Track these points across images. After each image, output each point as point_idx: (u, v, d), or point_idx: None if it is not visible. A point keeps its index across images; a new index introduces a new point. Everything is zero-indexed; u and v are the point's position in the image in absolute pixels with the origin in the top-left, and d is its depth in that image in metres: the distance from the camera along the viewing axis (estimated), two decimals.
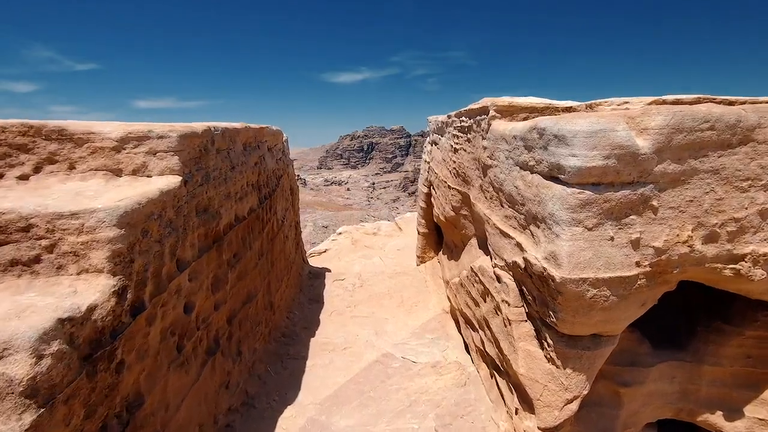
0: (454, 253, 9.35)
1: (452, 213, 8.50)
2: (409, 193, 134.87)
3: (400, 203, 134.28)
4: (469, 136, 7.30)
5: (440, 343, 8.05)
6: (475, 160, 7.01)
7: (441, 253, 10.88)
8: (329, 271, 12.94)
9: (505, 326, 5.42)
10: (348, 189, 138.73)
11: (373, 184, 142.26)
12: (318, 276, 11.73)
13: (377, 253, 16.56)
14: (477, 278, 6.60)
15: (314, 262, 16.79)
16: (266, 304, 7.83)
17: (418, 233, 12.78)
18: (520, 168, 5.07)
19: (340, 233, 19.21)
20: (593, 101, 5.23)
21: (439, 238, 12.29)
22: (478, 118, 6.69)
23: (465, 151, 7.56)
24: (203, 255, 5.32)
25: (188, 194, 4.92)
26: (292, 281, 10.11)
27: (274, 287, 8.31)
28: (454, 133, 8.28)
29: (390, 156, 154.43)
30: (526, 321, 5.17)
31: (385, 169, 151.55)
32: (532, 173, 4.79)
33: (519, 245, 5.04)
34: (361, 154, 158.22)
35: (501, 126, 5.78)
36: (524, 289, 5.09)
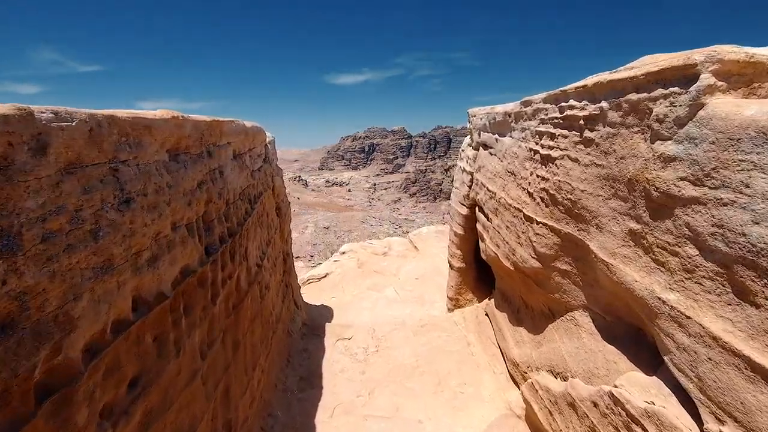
0: (525, 318, 5.91)
1: (534, 262, 5.05)
2: (410, 194, 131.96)
3: (401, 204, 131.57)
4: (591, 133, 3.84)
5: None
6: (610, 181, 3.57)
7: (493, 303, 7.41)
8: (329, 317, 9.51)
9: None
10: (349, 190, 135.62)
11: (374, 185, 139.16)
12: (315, 331, 8.28)
13: (390, 281, 13.12)
14: (635, 426, 3.15)
15: (312, 291, 13.39)
16: None
17: (452, 267, 9.32)
18: None
19: (343, 252, 15.76)
20: None
21: (481, 275, 8.87)
22: (634, 97, 3.23)
23: (576, 161, 4.11)
24: None
25: None
26: (275, 351, 6.65)
27: (236, 392, 4.84)
28: (543, 129, 4.82)
29: (391, 157, 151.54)
30: None
31: (386, 170, 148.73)
32: None
33: None
34: (363, 155, 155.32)
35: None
36: None
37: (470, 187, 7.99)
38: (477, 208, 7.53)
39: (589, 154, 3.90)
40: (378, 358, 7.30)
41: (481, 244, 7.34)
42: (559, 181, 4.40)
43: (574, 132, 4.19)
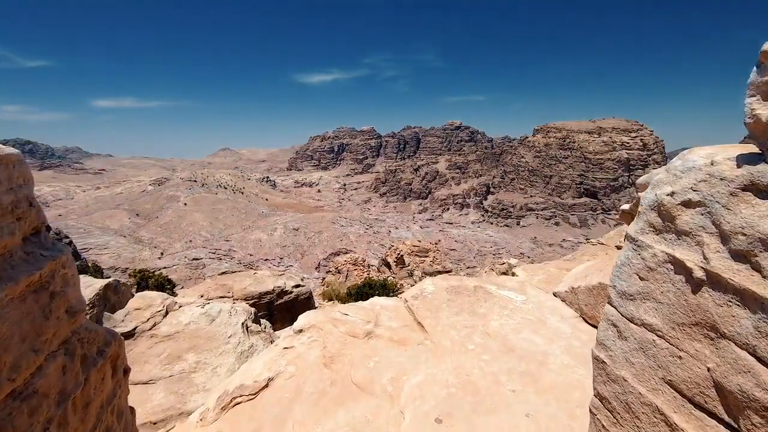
0: None
1: None
2: (380, 194, 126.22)
3: (371, 204, 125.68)
4: None
5: None
6: None
7: None
8: None
9: None
10: (319, 191, 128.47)
11: (344, 185, 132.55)
12: None
13: (385, 418, 6.80)
14: None
15: (238, 429, 6.89)
16: None
17: None
18: None
19: (301, 331, 9.28)
20: None
21: None
22: None
23: None
24: None
25: None
26: None
27: None
28: None
29: (361, 157, 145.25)
30: None
31: (356, 170, 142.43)
32: None
33: None
34: (332, 155, 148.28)
35: None
36: None
37: None
38: None
39: None
40: None
41: None
42: None
43: None
